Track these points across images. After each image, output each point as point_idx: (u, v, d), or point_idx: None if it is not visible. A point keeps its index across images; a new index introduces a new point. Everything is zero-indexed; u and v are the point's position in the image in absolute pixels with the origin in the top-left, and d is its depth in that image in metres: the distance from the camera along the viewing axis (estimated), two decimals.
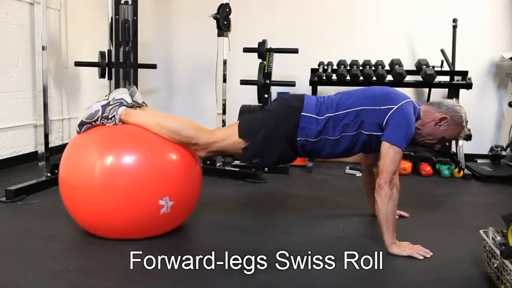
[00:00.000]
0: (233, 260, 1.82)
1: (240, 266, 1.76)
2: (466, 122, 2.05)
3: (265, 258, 1.84)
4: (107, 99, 2.01)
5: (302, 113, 1.97)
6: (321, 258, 1.86)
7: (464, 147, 3.66)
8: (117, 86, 3.41)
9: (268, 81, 3.38)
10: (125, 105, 1.98)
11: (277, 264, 1.76)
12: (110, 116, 1.95)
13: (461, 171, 3.42)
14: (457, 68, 3.72)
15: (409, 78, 3.62)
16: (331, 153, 2.04)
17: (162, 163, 1.89)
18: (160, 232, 1.98)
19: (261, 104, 3.46)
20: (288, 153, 2.04)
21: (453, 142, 3.63)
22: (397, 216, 2.10)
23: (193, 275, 1.66)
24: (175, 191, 1.91)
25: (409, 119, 1.93)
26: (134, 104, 2.01)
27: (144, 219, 1.88)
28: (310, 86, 3.74)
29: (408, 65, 3.74)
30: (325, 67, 3.77)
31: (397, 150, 1.87)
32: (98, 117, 1.95)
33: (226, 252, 1.89)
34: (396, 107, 1.92)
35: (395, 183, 1.89)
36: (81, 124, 1.97)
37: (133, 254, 1.82)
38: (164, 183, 1.88)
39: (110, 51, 3.52)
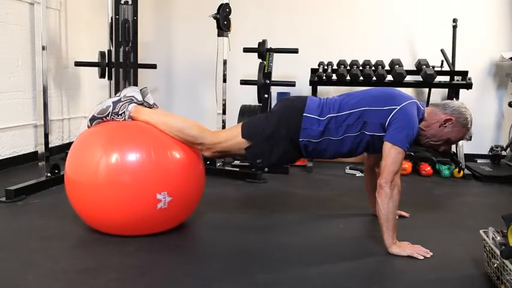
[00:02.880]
0: (233, 259, 1.83)
1: (239, 265, 1.76)
2: (471, 123, 2.05)
3: (265, 258, 1.84)
4: (119, 96, 2.05)
5: (304, 114, 1.99)
6: (321, 258, 1.86)
7: (464, 147, 3.66)
8: (117, 86, 3.41)
9: (268, 81, 3.38)
10: (135, 103, 2.03)
11: (277, 264, 1.77)
12: (120, 112, 2.00)
13: (461, 171, 3.42)
14: (457, 68, 3.72)
15: (409, 78, 3.62)
16: (335, 153, 2.06)
17: (163, 159, 1.90)
18: (161, 229, 1.99)
19: (261, 104, 3.46)
20: (291, 153, 2.05)
21: None
22: (397, 216, 2.10)
23: (193, 274, 1.66)
24: (175, 187, 1.92)
25: (412, 120, 1.92)
26: (145, 103, 2.06)
27: (143, 214, 1.89)
28: (310, 86, 3.74)
29: (408, 65, 3.75)
30: (325, 67, 3.77)
31: (399, 151, 1.87)
32: (109, 113, 2.00)
33: (226, 252, 1.90)
34: (399, 107, 1.92)
35: (397, 184, 1.88)
36: (92, 119, 2.02)
37: (133, 254, 1.83)
38: (163, 178, 1.89)
39: (110, 51, 3.52)
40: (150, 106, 2.08)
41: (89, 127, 2.05)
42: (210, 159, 3.25)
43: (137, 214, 1.89)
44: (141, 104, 2.04)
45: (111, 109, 2.00)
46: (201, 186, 2.12)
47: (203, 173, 2.13)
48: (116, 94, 2.10)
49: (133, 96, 2.04)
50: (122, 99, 2.03)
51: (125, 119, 2.00)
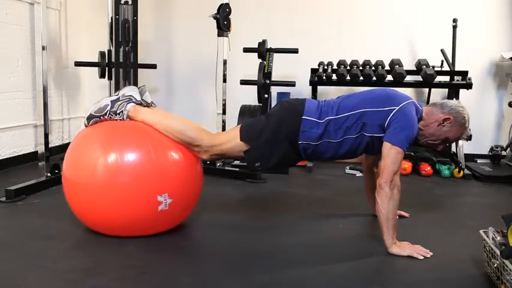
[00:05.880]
0: (233, 259, 1.83)
1: (239, 266, 1.76)
2: (469, 123, 2.06)
3: (264, 258, 1.84)
4: (117, 95, 2.04)
5: (303, 117, 1.99)
6: (321, 258, 1.86)
7: (464, 147, 3.66)
8: (117, 86, 3.41)
9: (268, 81, 3.38)
10: (133, 102, 2.01)
11: (277, 264, 1.77)
12: (118, 111, 1.98)
13: (461, 171, 3.43)
14: (457, 68, 3.72)
15: (409, 78, 3.62)
16: (334, 155, 2.05)
17: (163, 160, 1.90)
18: (160, 230, 1.99)
19: (260, 104, 3.46)
20: (290, 156, 2.05)
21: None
22: (397, 216, 2.10)
23: (193, 275, 1.66)
24: (175, 189, 1.92)
25: (411, 120, 1.93)
26: (143, 102, 2.05)
27: (143, 215, 1.89)
28: (310, 86, 3.74)
29: (408, 65, 3.75)
30: (325, 67, 3.77)
31: (399, 151, 1.87)
32: (107, 112, 1.99)
33: (226, 252, 1.90)
34: (398, 107, 1.93)
35: (396, 183, 1.89)
36: (90, 117, 2.01)
37: (133, 254, 1.83)
38: (164, 180, 1.89)
39: (110, 51, 3.52)
40: (147, 105, 2.07)
41: (86, 126, 2.04)
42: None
43: (138, 216, 1.89)
44: (140, 104, 2.04)
45: (109, 108, 1.99)
46: (200, 186, 2.12)
47: (201, 173, 2.13)
48: (114, 93, 2.09)
49: (131, 96, 2.02)
50: (121, 98, 2.02)
51: (123, 119, 1.99)
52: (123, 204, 1.85)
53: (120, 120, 1.99)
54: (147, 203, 1.86)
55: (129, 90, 2.05)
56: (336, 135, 1.98)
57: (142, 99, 2.05)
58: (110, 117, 2.00)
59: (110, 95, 3.55)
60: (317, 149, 2.01)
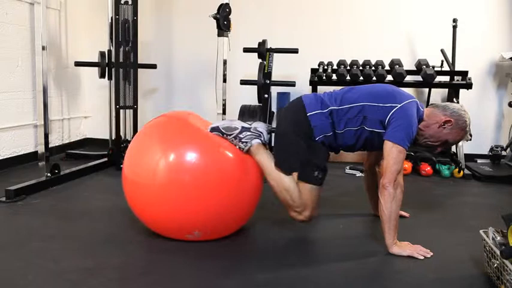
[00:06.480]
0: (233, 259, 1.83)
1: (239, 265, 1.76)
2: (470, 126, 2.05)
3: (264, 258, 1.84)
4: (250, 125, 2.03)
5: (308, 114, 1.99)
6: (321, 258, 1.86)
7: (464, 147, 3.66)
8: (117, 86, 3.40)
9: (268, 81, 3.38)
10: (260, 140, 2.01)
11: (277, 264, 1.77)
12: (243, 140, 1.97)
13: (461, 171, 3.43)
14: (457, 68, 3.72)
15: (409, 78, 3.62)
16: (338, 146, 2.07)
17: (200, 199, 1.88)
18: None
19: (260, 104, 3.45)
20: (323, 150, 2.05)
21: None
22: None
23: (193, 274, 1.66)
24: (208, 229, 1.94)
25: (412, 119, 1.93)
26: (266, 142, 2.06)
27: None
28: (310, 86, 3.74)
29: (408, 65, 3.75)
30: (325, 67, 3.77)
31: (400, 149, 1.87)
32: (233, 134, 1.97)
33: (226, 252, 1.90)
34: (399, 105, 1.93)
35: (400, 183, 1.88)
36: (215, 129, 1.99)
37: (133, 254, 1.83)
38: (200, 220, 1.90)
39: (110, 51, 3.52)
40: (265, 143, 2.06)
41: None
42: None
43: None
44: (264, 144, 2.03)
45: (237, 132, 1.97)
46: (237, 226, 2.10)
47: (251, 212, 2.10)
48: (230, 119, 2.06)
49: (262, 133, 2.02)
50: (252, 130, 2.00)
51: (242, 149, 1.97)
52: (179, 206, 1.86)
53: (239, 148, 1.97)
54: (179, 232, 1.92)
55: (262, 127, 2.05)
56: (339, 126, 2.00)
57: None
58: (232, 140, 1.98)
59: (110, 95, 3.59)
60: (330, 140, 2.02)
